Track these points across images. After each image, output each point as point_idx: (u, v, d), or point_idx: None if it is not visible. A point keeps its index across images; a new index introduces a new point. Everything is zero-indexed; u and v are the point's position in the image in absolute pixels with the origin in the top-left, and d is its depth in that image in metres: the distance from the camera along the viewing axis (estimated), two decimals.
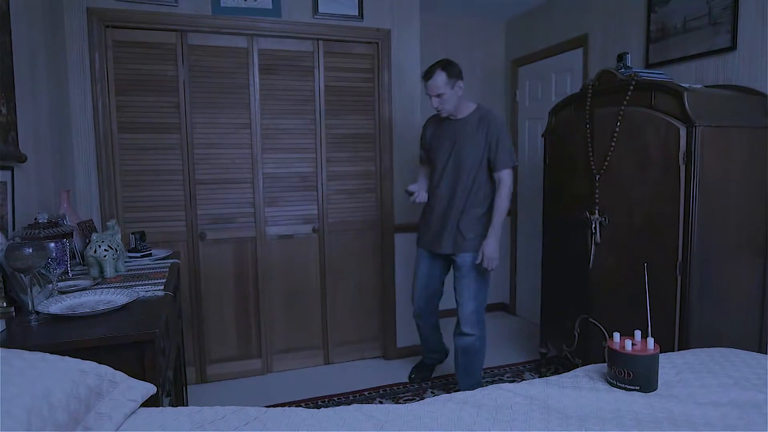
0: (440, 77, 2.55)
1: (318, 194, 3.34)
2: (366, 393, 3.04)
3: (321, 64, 3.27)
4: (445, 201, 2.69)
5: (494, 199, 2.63)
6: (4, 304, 1.47)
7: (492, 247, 2.60)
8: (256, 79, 3.14)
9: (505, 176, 2.60)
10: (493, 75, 4.49)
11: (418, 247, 2.90)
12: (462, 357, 2.75)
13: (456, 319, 2.76)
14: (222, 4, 3.00)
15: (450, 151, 2.66)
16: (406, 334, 3.52)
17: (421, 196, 2.73)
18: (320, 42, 3.25)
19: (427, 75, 2.59)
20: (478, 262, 2.62)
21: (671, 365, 1.53)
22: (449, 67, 2.58)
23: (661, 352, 1.44)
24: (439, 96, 2.57)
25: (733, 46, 2.57)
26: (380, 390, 3.08)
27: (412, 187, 2.72)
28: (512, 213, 4.49)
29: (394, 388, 3.09)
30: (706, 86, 2.58)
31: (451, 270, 2.83)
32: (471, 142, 2.61)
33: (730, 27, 2.57)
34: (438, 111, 2.64)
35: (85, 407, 1.05)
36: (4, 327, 1.39)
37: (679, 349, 2.27)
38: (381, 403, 2.85)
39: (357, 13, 3.28)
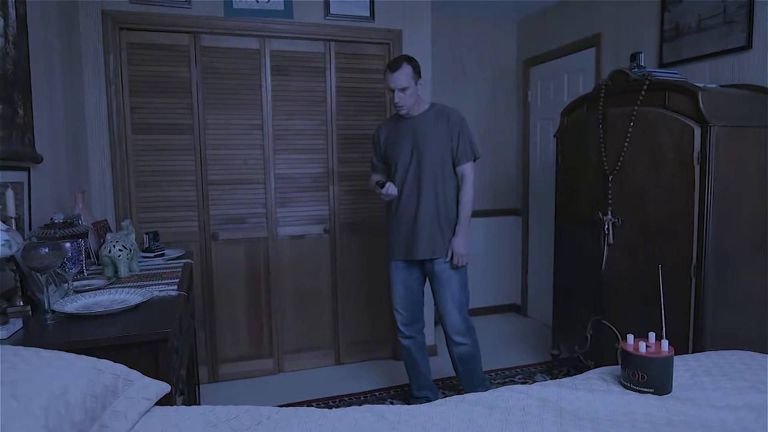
0: (406, 70, 2.46)
1: (329, 195, 3.35)
2: (377, 393, 3.04)
3: (332, 65, 3.28)
4: (414, 203, 2.55)
5: (459, 195, 2.56)
6: (21, 303, 1.49)
7: (461, 244, 2.52)
8: (268, 81, 3.15)
9: (467, 170, 2.54)
10: (504, 75, 4.47)
11: (390, 261, 2.69)
12: (460, 365, 2.68)
13: (444, 331, 2.66)
14: (234, 6, 3.02)
15: (411, 150, 2.54)
16: None
17: (393, 188, 2.54)
18: (332, 43, 3.26)
19: (394, 66, 2.47)
20: (447, 260, 2.54)
21: (686, 368, 1.52)
22: (413, 62, 2.51)
23: (675, 355, 1.42)
24: (403, 90, 2.46)
25: (748, 45, 2.54)
26: (391, 391, 3.08)
27: (381, 180, 2.57)
28: (523, 213, 4.47)
29: (405, 388, 3.08)
30: (720, 86, 2.55)
31: (428, 280, 2.69)
32: (432, 138, 2.52)
33: (745, 26, 2.54)
34: (399, 107, 2.52)
35: (101, 405, 1.06)
36: (21, 325, 1.41)
37: (693, 352, 2.25)
38: (392, 403, 2.85)
39: (368, 14, 3.28)
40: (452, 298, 2.58)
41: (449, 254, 2.54)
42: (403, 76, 2.45)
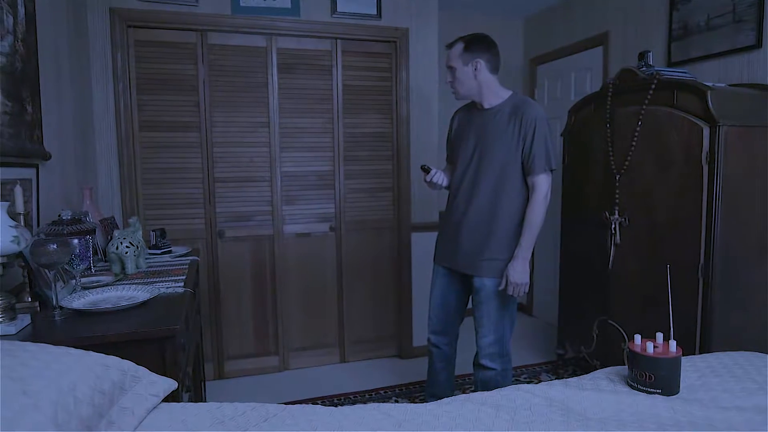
0: (456, 48, 2.17)
1: (335, 193, 3.35)
2: (382, 392, 3.04)
3: (339, 62, 3.28)
4: (462, 208, 2.23)
5: (526, 211, 2.15)
6: (29, 299, 1.50)
7: (519, 271, 2.10)
8: (275, 78, 3.15)
9: (539, 182, 2.10)
10: (511, 74, 4.45)
11: (434, 264, 2.44)
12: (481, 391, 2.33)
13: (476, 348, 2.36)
14: (241, 4, 3.02)
15: (474, 148, 2.20)
16: (423, 333, 3.48)
17: (439, 177, 2.27)
18: (338, 41, 3.26)
19: (450, 43, 2.24)
20: (501, 288, 2.15)
21: (694, 369, 1.51)
22: (472, 40, 2.16)
23: (683, 355, 1.41)
24: (450, 69, 2.21)
25: (757, 44, 2.52)
26: (396, 389, 3.08)
27: (427, 165, 2.30)
28: None
29: (410, 387, 3.09)
30: (730, 85, 2.53)
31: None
32: (500, 138, 2.13)
33: (755, 25, 2.52)
34: (452, 91, 2.26)
35: (108, 401, 1.07)
36: (30, 321, 1.42)
37: (700, 353, 2.23)
38: (397, 402, 2.85)
39: (375, 12, 3.28)
40: (488, 319, 2.23)
41: (503, 282, 2.15)
42: (451, 53, 2.19)
